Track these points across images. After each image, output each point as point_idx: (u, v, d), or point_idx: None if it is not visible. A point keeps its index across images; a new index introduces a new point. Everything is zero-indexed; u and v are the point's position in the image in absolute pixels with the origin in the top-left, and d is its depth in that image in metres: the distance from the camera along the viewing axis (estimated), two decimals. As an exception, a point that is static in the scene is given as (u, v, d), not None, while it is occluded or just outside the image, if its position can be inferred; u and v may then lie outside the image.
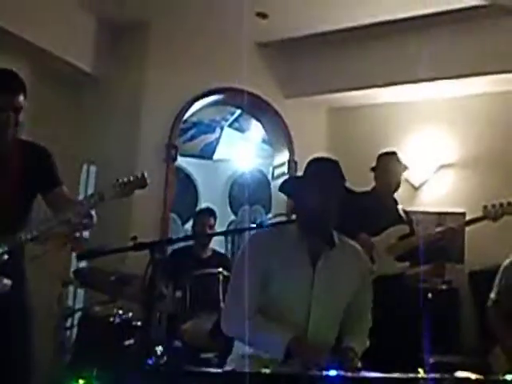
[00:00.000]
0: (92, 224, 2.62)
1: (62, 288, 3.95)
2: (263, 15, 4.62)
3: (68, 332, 3.98)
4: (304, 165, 5.68)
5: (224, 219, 7.70)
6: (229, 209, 8.13)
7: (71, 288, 4.20)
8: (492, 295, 3.49)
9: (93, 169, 4.92)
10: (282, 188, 2.63)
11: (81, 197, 4.51)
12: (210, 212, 4.60)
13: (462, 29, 4.56)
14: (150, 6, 4.65)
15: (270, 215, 7.02)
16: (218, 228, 5.25)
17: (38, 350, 2.70)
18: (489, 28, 4.51)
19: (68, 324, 3.89)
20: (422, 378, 1.89)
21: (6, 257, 2.42)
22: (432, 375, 1.92)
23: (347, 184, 2.53)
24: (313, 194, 2.33)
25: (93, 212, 2.58)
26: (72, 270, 4.02)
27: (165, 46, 5.03)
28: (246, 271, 2.31)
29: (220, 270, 3.87)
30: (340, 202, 2.40)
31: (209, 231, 4.49)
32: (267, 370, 1.96)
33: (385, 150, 4.06)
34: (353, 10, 4.49)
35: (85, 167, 4.90)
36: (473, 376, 1.97)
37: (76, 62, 4.76)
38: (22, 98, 2.47)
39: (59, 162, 2.81)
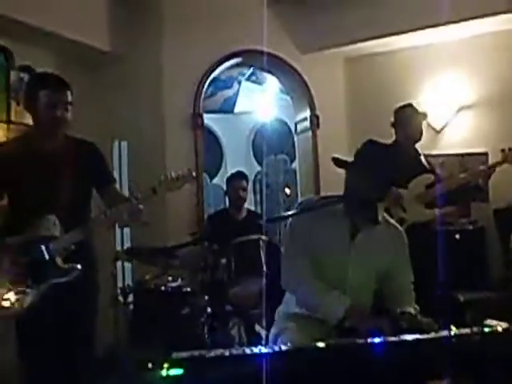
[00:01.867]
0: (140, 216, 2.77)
1: (114, 263, 4.06)
2: None
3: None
4: (324, 119, 5.84)
5: (250, 170, 7.94)
6: (253, 160, 8.31)
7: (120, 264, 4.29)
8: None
9: (124, 145, 4.99)
10: (337, 163, 2.81)
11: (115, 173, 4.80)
12: (241, 175, 4.72)
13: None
14: None
15: (294, 164, 7.21)
16: None
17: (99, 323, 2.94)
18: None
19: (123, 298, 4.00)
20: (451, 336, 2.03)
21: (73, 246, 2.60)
22: (459, 330, 2.03)
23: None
24: (360, 178, 2.46)
25: (141, 206, 2.72)
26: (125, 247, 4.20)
27: (178, 16, 5.02)
28: (296, 246, 2.54)
29: (261, 236, 4.00)
30: (387, 180, 2.55)
31: (241, 194, 4.57)
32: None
33: (400, 104, 4.11)
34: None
35: (116, 143, 4.96)
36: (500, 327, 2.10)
37: (93, 43, 4.79)
38: (70, 95, 2.65)
39: (92, 140, 2.93)
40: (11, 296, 2.50)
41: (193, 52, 5.01)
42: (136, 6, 5.01)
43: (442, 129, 5.28)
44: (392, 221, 2.78)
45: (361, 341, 2.04)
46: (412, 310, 2.51)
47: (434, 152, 5.01)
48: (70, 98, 2.63)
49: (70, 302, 2.61)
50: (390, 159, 3.56)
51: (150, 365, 2.00)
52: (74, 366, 2.70)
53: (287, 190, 7.59)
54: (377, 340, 2.02)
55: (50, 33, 4.37)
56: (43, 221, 2.59)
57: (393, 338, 2.09)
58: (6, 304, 2.49)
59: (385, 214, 2.73)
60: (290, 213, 2.77)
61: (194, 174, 2.78)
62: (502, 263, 4.71)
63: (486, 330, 2.08)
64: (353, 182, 2.54)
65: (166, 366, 1.81)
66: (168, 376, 1.80)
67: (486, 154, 4.89)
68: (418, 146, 4.06)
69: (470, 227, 4.86)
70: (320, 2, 5.14)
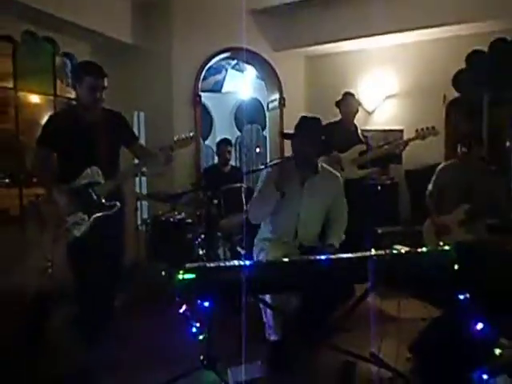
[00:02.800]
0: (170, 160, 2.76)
1: (136, 202, 4.20)
2: None
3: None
4: (288, 100, 5.82)
5: (232, 135, 7.95)
6: (235, 127, 8.28)
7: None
8: (429, 187, 3.67)
9: (142, 115, 4.94)
10: (284, 136, 2.89)
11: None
12: (227, 141, 4.66)
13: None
14: None
15: (265, 132, 7.23)
16: None
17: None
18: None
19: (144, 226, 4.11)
20: (371, 255, 2.16)
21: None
22: (376, 252, 2.16)
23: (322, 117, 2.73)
24: (300, 144, 2.62)
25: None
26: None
27: (183, 20, 4.89)
28: (269, 187, 2.62)
29: (242, 184, 4.00)
30: (317, 144, 2.67)
31: (227, 155, 4.54)
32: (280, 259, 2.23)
33: (343, 91, 4.15)
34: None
35: (136, 114, 4.91)
36: (403, 249, 2.24)
37: (119, 37, 4.69)
38: (106, 80, 2.58)
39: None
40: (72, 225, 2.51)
41: (194, 47, 4.91)
42: (152, 9, 4.85)
43: (373, 111, 5.31)
44: (331, 169, 2.84)
45: (310, 257, 2.17)
46: (336, 242, 2.65)
47: (367, 127, 5.10)
48: (105, 83, 2.58)
49: (111, 229, 2.63)
50: (328, 131, 3.65)
51: (163, 272, 2.14)
52: (112, 271, 2.74)
53: (257, 149, 7.68)
54: (322, 257, 2.13)
55: (85, 28, 4.26)
56: (90, 171, 2.57)
57: (332, 256, 2.18)
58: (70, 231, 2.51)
59: (325, 165, 2.80)
60: (261, 167, 2.82)
61: (195, 135, 2.81)
62: (410, 209, 4.84)
63: (394, 251, 2.23)
64: (295, 146, 2.66)
65: (182, 272, 1.92)
66: (184, 279, 1.92)
67: (401, 131, 4.98)
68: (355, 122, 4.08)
69: (388, 182, 4.92)
70: (287, 13, 5.06)
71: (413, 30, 4.64)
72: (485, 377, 2.18)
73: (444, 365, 2.30)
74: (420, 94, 4.95)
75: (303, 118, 2.68)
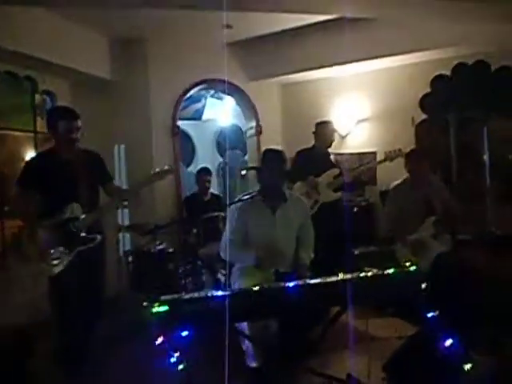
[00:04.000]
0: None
1: (118, 233, 4.27)
2: (229, 26, 4.64)
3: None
4: (265, 127, 5.92)
5: (215, 161, 8.11)
6: (217, 153, 8.40)
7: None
8: (386, 210, 3.82)
9: (122, 147, 4.98)
10: (248, 169, 2.99)
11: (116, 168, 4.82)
12: (205, 170, 4.76)
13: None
14: (146, 27, 4.62)
15: (246, 157, 7.33)
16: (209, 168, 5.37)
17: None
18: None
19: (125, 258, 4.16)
20: (342, 280, 2.21)
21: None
22: (344, 276, 2.21)
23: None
24: (264, 175, 2.78)
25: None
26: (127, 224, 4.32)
27: (161, 53, 5.01)
28: (233, 225, 2.77)
29: (221, 213, 4.07)
30: (283, 174, 2.80)
31: (206, 184, 4.65)
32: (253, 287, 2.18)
33: (320, 120, 4.28)
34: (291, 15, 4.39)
35: (116, 147, 4.96)
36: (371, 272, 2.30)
37: (98, 74, 4.79)
38: (79, 122, 2.73)
39: (98, 146, 3.01)
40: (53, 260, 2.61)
41: (171, 79, 5.03)
42: (129, 45, 4.97)
43: (346, 135, 5.46)
44: (296, 195, 3.01)
45: (280, 284, 2.21)
46: (307, 261, 2.76)
47: (341, 151, 5.28)
48: (79, 124, 2.71)
49: (91, 261, 2.74)
50: (302, 157, 3.75)
51: (144, 303, 2.17)
52: (94, 304, 2.83)
53: (243, 172, 7.77)
54: (291, 284, 2.15)
55: (64, 66, 4.36)
56: (70, 207, 2.68)
57: (304, 281, 2.20)
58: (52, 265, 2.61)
59: (290, 192, 2.95)
60: (241, 197, 2.89)
61: (172, 168, 2.92)
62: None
63: (362, 274, 2.25)
64: (262, 178, 2.80)
65: (155, 305, 1.97)
66: (157, 312, 1.97)
67: (374, 153, 5.12)
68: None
69: (364, 203, 5.05)
70: (261, 48, 5.23)
71: (381, 57, 4.84)
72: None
73: (417, 382, 2.38)
74: (390, 116, 5.13)
75: (266, 150, 2.85)
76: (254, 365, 2.59)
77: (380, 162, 4.25)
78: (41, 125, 4.62)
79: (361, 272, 2.34)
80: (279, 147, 2.96)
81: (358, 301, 2.44)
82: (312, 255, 2.86)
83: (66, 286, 2.68)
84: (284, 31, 4.94)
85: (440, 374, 2.30)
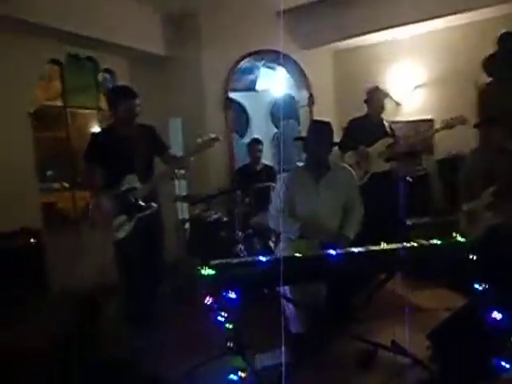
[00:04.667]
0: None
1: (175, 203, 4.50)
2: None
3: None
4: (317, 97, 5.84)
5: (269, 131, 8.15)
6: (272, 124, 8.42)
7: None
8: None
9: (178, 120, 5.19)
10: (295, 139, 3.04)
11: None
12: (257, 141, 4.81)
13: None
14: (197, 1, 4.71)
15: (300, 127, 7.29)
16: (264, 138, 5.57)
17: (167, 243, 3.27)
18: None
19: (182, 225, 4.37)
20: (387, 249, 2.28)
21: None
22: (389, 246, 2.29)
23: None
24: (310, 145, 2.83)
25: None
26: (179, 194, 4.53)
27: (212, 25, 5.08)
28: (279, 195, 2.86)
29: (271, 183, 4.11)
30: (328, 145, 2.83)
31: (257, 154, 4.70)
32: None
33: (370, 86, 4.18)
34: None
35: (172, 120, 5.17)
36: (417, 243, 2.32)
37: (153, 50, 4.96)
38: (138, 100, 2.92)
39: (154, 120, 3.18)
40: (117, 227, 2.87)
41: (222, 52, 5.08)
42: (180, 19, 5.08)
43: (402, 102, 5.27)
44: (342, 164, 3.01)
45: (322, 252, 2.28)
46: (350, 234, 2.79)
47: (397, 119, 5.08)
48: (138, 102, 2.89)
49: (150, 227, 2.96)
50: (354, 126, 3.70)
51: (198, 267, 2.34)
52: (155, 267, 3.07)
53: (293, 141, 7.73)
54: (333, 252, 2.20)
55: (121, 45, 4.58)
56: (127, 178, 2.91)
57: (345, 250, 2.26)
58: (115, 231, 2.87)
59: (336, 162, 2.96)
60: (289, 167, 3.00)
61: (219, 136, 2.99)
62: (443, 200, 4.77)
63: (407, 244, 2.29)
64: (306, 148, 2.85)
65: (204, 268, 2.12)
66: (206, 274, 2.12)
67: (431, 121, 4.92)
68: (383, 115, 4.10)
69: (419, 173, 4.86)
70: (312, 12, 5.12)
71: (439, 17, 4.58)
72: (503, 364, 2.25)
73: (462, 352, 2.38)
74: (450, 81, 4.89)
75: (314, 122, 2.88)
76: (296, 330, 2.69)
77: (437, 130, 4.05)
78: (103, 102, 4.94)
79: (408, 242, 2.34)
80: (326, 119, 2.95)
81: (403, 270, 2.49)
82: (357, 229, 2.86)
83: (130, 250, 2.92)
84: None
85: (486, 346, 2.29)
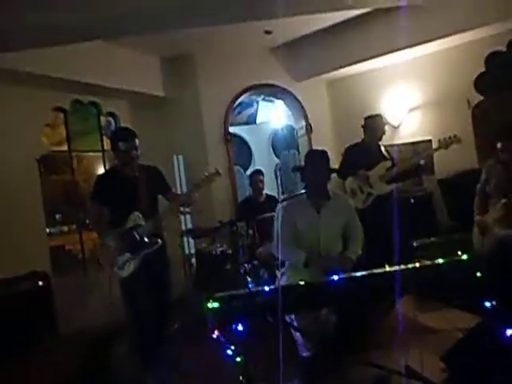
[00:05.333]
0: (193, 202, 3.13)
1: (180, 238, 4.57)
2: (268, 32, 4.81)
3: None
4: (315, 126, 5.93)
5: (271, 162, 8.25)
6: (273, 155, 8.53)
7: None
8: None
9: (181, 158, 5.30)
10: (293, 169, 3.07)
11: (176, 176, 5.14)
12: (258, 172, 4.82)
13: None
14: (192, 43, 4.85)
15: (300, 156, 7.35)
16: (267, 170, 5.62)
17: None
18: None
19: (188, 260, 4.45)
20: (391, 271, 2.23)
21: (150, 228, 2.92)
22: (395, 268, 2.20)
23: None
24: (308, 175, 2.87)
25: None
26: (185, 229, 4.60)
27: (208, 65, 5.25)
28: (282, 225, 2.87)
29: (274, 214, 3.97)
30: (326, 173, 2.88)
31: (259, 185, 4.67)
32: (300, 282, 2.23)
33: (369, 114, 4.21)
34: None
35: (175, 157, 5.28)
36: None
37: (152, 92, 5.13)
38: (137, 141, 2.98)
39: (158, 157, 3.32)
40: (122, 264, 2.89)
41: (220, 88, 5.24)
42: (178, 62, 5.25)
43: (398, 125, 5.35)
44: (340, 194, 3.06)
45: (326, 278, 2.19)
46: (353, 255, 2.80)
47: (394, 142, 5.10)
48: (137, 143, 2.97)
49: (156, 264, 2.97)
50: (352, 152, 3.73)
51: (204, 301, 2.34)
52: (162, 304, 3.04)
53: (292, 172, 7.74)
54: (337, 277, 2.15)
55: (123, 89, 4.75)
56: (132, 216, 2.94)
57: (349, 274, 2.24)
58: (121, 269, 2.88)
59: (334, 191, 2.99)
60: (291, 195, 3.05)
61: (220, 171, 3.05)
62: (446, 218, 4.76)
63: (411, 265, 2.21)
64: (306, 178, 2.90)
65: (210, 301, 2.10)
66: (211, 307, 2.10)
67: (430, 141, 4.95)
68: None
69: (421, 193, 4.89)
70: (303, 48, 5.26)
71: (428, 41, 4.69)
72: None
73: (478, 372, 2.32)
74: (444, 101, 4.97)
75: (310, 151, 2.94)
76: (305, 354, 2.68)
77: (435, 150, 4.10)
78: (107, 144, 5.07)
79: (412, 263, 2.28)
80: (322, 148, 3.01)
81: (410, 292, 2.45)
82: (359, 252, 2.88)
83: (136, 288, 2.92)
84: (323, 29, 4.98)
85: (503, 365, 2.24)
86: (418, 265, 2.32)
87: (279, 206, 2.95)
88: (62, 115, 4.72)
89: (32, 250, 4.03)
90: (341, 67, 5.31)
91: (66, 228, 5.49)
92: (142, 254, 2.92)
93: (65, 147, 4.84)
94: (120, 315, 3.12)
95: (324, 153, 2.90)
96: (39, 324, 3.59)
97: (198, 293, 3.98)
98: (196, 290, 4.11)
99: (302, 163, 6.51)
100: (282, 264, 3.26)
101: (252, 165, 8.33)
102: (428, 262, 2.33)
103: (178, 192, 3.52)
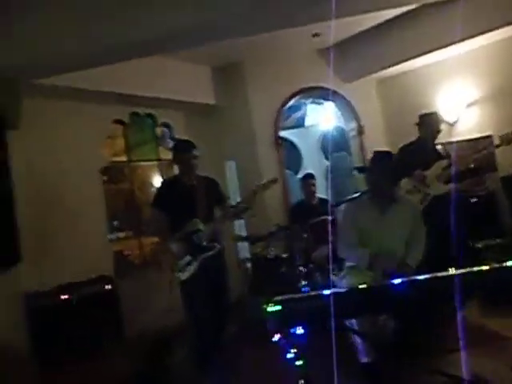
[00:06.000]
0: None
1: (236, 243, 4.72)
2: (316, 34, 4.86)
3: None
4: (366, 126, 5.85)
5: (321, 165, 8.21)
6: (323, 158, 8.47)
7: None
8: None
9: (233, 163, 5.44)
10: (357, 170, 3.05)
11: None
12: (309, 175, 4.84)
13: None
14: (240, 50, 4.91)
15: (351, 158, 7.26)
16: (317, 172, 5.59)
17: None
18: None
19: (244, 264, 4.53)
20: (453, 275, 2.17)
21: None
22: (460, 271, 2.16)
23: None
24: (372, 176, 2.86)
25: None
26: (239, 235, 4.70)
27: (257, 71, 5.33)
28: (345, 226, 2.91)
29: (327, 217, 4.11)
30: (391, 175, 2.85)
31: (311, 188, 4.68)
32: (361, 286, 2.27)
33: (423, 112, 4.11)
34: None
35: (227, 163, 5.43)
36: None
37: (204, 101, 5.28)
38: (196, 151, 3.15)
39: (209, 165, 3.41)
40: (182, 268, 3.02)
41: (270, 94, 5.30)
42: (228, 71, 5.37)
43: (455, 122, 5.17)
44: (406, 197, 3.04)
45: (387, 282, 2.24)
46: (413, 264, 2.74)
47: (451, 139, 4.93)
48: (196, 153, 3.13)
49: (214, 267, 3.09)
50: (406, 152, 3.68)
51: (262, 305, 2.38)
52: (221, 307, 3.13)
53: (353, 173, 7.67)
54: (399, 281, 2.12)
55: (177, 100, 4.94)
56: (191, 221, 3.08)
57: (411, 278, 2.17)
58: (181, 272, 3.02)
59: (401, 194, 2.97)
60: (346, 198, 3.05)
61: (277, 178, 3.19)
62: (509, 215, 4.55)
63: (475, 268, 2.14)
64: (369, 178, 2.87)
65: (270, 304, 2.14)
66: (272, 311, 2.15)
67: (490, 137, 4.75)
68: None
69: (483, 192, 4.71)
70: (351, 48, 5.20)
71: (482, 33, 4.52)
72: None
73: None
74: (501, 95, 4.76)
75: (375, 152, 2.90)
76: (365, 360, 2.64)
77: (497, 146, 3.92)
78: (162, 153, 5.29)
79: (477, 266, 2.22)
80: (375, 148, 3.00)
81: (476, 296, 2.37)
82: (420, 258, 2.83)
83: (195, 290, 3.04)
84: (372, 28, 4.91)
85: None
86: (486, 267, 2.26)
87: (342, 207, 2.96)
88: (121, 127, 4.98)
89: (96, 256, 4.27)
90: (392, 65, 5.19)
91: (123, 234, 5.76)
92: (200, 258, 3.05)
93: (123, 158, 5.10)
94: (180, 319, 3.23)
95: (389, 154, 2.88)
96: (106, 327, 3.78)
97: (254, 297, 4.02)
98: (252, 294, 4.16)
99: (354, 165, 6.49)
100: (339, 268, 3.30)
101: (302, 168, 8.31)
102: (496, 265, 2.26)
103: (230, 196, 3.66)
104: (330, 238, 3.93)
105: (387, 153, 2.91)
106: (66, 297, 3.71)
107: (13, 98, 3.36)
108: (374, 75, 5.48)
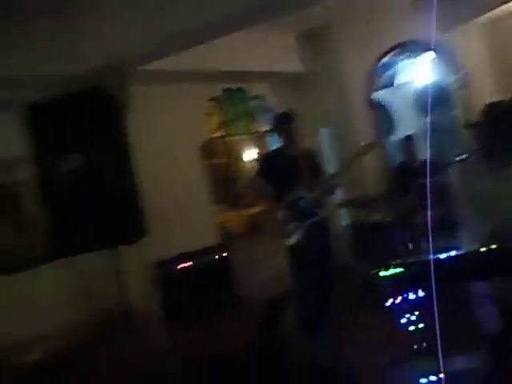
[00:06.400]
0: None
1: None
2: None
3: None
4: (473, 77, 5.32)
5: (417, 125, 7.68)
6: (419, 116, 7.92)
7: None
8: None
9: (326, 130, 5.37)
10: (466, 126, 2.79)
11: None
12: (409, 137, 4.76)
13: None
14: (327, 13, 4.71)
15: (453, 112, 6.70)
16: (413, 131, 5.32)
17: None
18: None
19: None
20: None
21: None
22: None
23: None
24: (486, 132, 2.61)
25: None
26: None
27: (345, 35, 5.13)
28: (453, 189, 2.75)
29: (433, 178, 3.83)
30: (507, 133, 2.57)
31: (413, 150, 4.59)
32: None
33: None
34: None
35: (321, 131, 5.37)
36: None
37: (292, 69, 5.29)
38: (295, 122, 3.23)
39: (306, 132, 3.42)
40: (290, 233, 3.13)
41: (360, 54, 5.09)
42: (314, 36, 5.26)
43: None
44: None
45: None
46: None
47: None
48: (295, 125, 3.20)
49: (319, 233, 3.18)
50: None
51: (374, 270, 2.36)
52: (326, 272, 3.22)
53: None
54: None
55: (265, 71, 4.98)
56: (296, 189, 3.18)
57: None
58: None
59: None
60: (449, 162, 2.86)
61: (378, 141, 3.14)
62: None
63: None
64: (481, 136, 2.62)
65: (387, 268, 2.21)
66: (388, 275, 2.19)
67: None
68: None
69: None
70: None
71: None
72: None
73: None
74: None
75: (489, 105, 2.62)
76: (494, 332, 2.48)
77: None
78: (254, 126, 5.39)
79: None
80: (483, 100, 2.71)
81: None
82: None
83: (301, 255, 3.14)
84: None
85: None
86: None
87: (452, 169, 2.78)
88: (216, 104, 5.13)
89: (202, 228, 4.53)
90: (501, 4, 4.66)
91: (223, 206, 6.03)
92: (307, 224, 3.12)
93: (220, 133, 5.26)
94: (286, 285, 3.34)
95: (506, 105, 2.60)
96: (224, 292, 4.11)
97: (358, 263, 4.00)
98: (356, 260, 4.14)
99: (458, 121, 6.01)
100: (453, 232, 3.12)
101: (397, 128, 7.89)
102: None
103: (326, 163, 3.69)
104: (437, 202, 3.81)
105: (503, 104, 2.61)
106: (190, 263, 4.09)
107: (121, 84, 3.63)
108: (480, 18, 4.99)
